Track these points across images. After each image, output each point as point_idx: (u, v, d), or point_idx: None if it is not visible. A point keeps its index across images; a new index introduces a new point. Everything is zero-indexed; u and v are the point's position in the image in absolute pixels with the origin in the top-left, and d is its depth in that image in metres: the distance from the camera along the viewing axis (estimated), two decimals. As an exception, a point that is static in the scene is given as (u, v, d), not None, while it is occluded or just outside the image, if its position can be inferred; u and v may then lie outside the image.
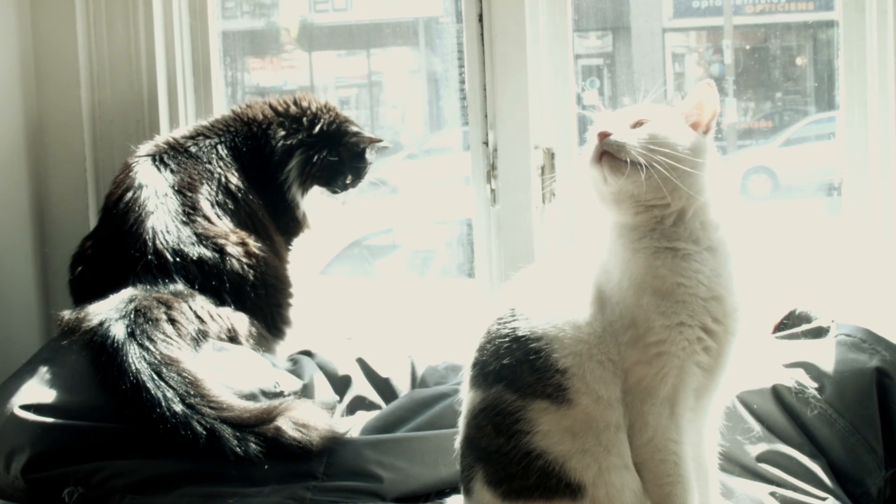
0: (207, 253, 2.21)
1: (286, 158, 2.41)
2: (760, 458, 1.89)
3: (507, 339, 1.56)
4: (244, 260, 2.24)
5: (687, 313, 1.51)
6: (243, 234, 2.28)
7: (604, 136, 1.51)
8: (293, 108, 2.46)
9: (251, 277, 2.25)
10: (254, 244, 2.27)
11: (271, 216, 2.41)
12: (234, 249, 2.24)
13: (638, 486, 1.53)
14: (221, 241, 2.24)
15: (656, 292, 1.51)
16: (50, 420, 1.96)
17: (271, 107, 2.46)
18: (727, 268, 1.55)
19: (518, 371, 1.54)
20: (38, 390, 2.02)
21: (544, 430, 1.52)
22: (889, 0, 2.32)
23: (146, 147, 2.38)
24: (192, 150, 2.36)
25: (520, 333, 1.55)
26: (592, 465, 1.51)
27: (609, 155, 1.51)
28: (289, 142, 2.41)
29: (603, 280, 1.57)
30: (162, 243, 2.19)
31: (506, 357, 1.55)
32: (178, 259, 2.19)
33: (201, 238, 2.23)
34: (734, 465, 1.87)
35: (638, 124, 1.54)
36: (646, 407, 1.52)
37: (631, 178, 1.50)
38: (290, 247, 2.48)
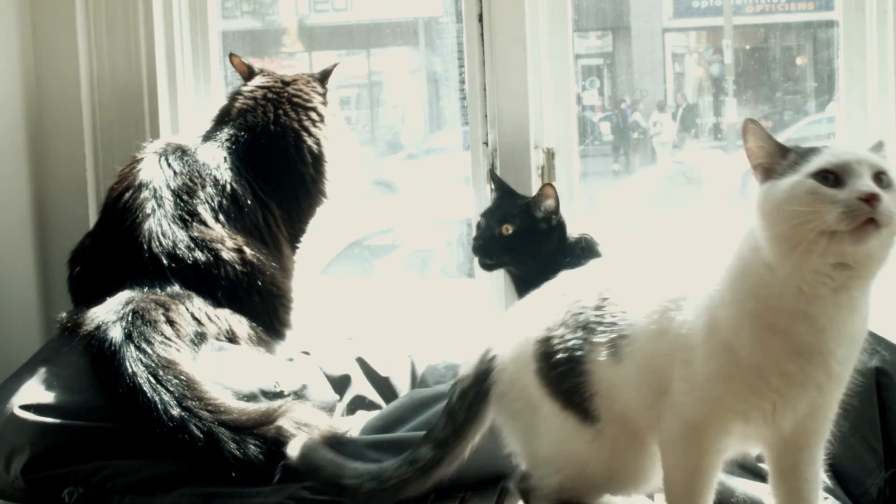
0: (202, 257, 2.21)
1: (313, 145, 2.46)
2: (761, 458, 1.89)
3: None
4: (238, 267, 2.24)
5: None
6: (241, 239, 2.28)
7: (874, 201, 1.32)
8: (288, 107, 2.48)
9: (245, 283, 2.24)
10: (250, 251, 2.27)
11: (289, 213, 2.43)
12: (229, 255, 2.23)
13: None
14: (217, 245, 2.23)
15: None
16: (50, 420, 1.96)
17: (271, 111, 2.47)
18: None
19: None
20: (37, 390, 2.02)
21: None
22: (889, 0, 2.32)
23: (156, 144, 2.38)
24: (199, 153, 2.35)
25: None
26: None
27: (873, 221, 1.32)
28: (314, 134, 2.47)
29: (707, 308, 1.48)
30: (157, 247, 2.18)
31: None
32: (173, 264, 2.18)
33: (197, 242, 2.22)
34: (734, 465, 1.87)
35: (878, 178, 1.37)
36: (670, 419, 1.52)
37: (876, 241, 1.34)
38: (297, 245, 2.49)
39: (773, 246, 1.38)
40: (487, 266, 2.24)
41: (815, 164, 1.38)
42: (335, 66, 2.61)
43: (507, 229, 2.16)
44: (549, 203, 2.17)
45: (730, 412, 1.48)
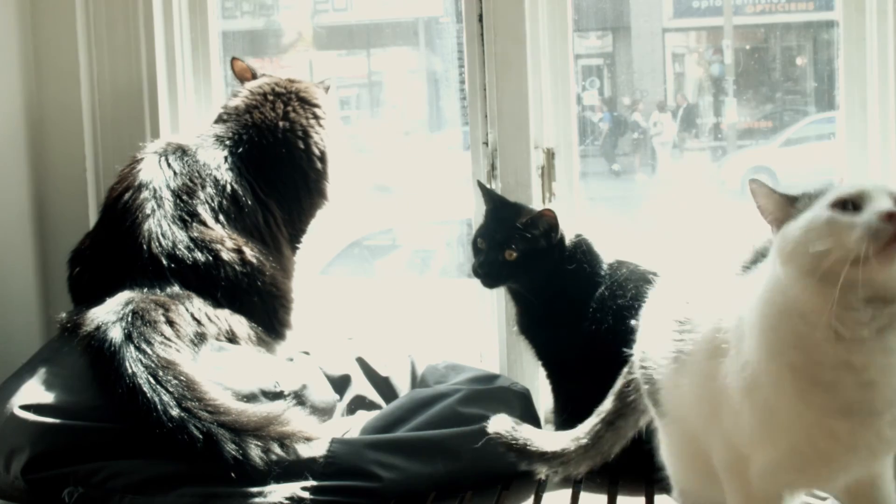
0: (202, 258, 2.21)
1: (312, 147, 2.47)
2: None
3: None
4: (238, 267, 2.23)
5: None
6: (241, 240, 2.28)
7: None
8: (297, 104, 2.48)
9: (245, 284, 2.24)
10: (250, 251, 2.26)
11: (289, 213, 2.42)
12: (228, 255, 2.23)
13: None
14: (217, 245, 2.23)
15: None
16: (50, 420, 1.96)
17: (280, 107, 2.47)
18: None
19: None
20: (37, 390, 2.02)
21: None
22: (889, 0, 2.32)
23: (156, 144, 2.38)
24: (200, 153, 2.35)
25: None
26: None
27: None
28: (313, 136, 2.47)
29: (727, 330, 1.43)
30: (157, 247, 2.18)
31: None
32: (173, 264, 2.18)
33: (197, 242, 2.22)
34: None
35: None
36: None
37: None
38: (298, 246, 2.49)
39: (799, 286, 1.30)
40: (491, 286, 2.22)
41: (830, 196, 1.31)
42: (329, 87, 2.61)
43: (511, 255, 2.14)
44: (551, 225, 2.14)
45: (781, 465, 1.41)
